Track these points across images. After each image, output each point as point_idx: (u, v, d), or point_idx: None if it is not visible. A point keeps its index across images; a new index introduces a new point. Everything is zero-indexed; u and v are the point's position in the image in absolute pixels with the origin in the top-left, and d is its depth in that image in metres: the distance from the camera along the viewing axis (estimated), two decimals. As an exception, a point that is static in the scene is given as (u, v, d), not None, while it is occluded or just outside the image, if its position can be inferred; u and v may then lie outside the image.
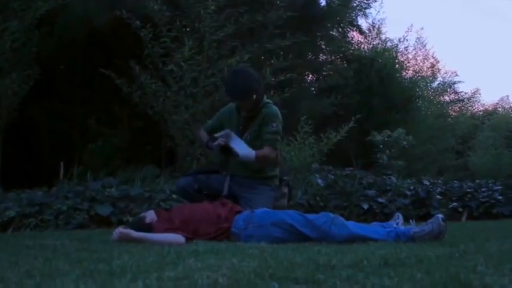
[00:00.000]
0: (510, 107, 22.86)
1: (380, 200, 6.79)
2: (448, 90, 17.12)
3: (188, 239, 3.00)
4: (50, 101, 9.32)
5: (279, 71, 7.92)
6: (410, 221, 3.12)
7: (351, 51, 13.45)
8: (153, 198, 5.75)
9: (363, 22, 14.30)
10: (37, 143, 9.68)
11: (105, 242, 3.18)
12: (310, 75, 12.81)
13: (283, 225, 3.00)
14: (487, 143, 16.51)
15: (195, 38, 7.39)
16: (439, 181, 8.52)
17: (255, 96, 3.81)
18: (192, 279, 1.59)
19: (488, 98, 42.69)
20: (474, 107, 21.06)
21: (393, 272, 1.74)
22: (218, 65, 7.51)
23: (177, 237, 2.98)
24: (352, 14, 12.50)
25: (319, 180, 7.04)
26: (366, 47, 14.67)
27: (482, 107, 22.26)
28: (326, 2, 11.35)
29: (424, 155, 13.51)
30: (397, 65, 14.39)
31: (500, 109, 22.70)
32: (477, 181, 8.60)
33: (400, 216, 3.17)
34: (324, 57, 12.90)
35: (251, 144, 3.80)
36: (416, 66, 15.89)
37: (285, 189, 4.10)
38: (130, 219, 4.80)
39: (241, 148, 3.70)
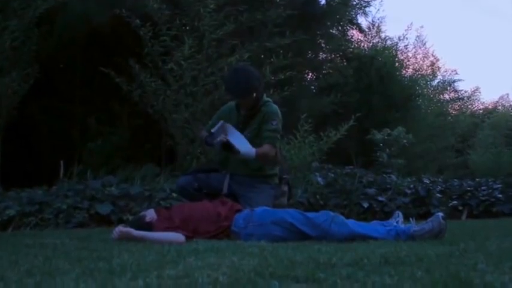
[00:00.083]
0: (510, 105, 22.87)
1: (380, 198, 6.79)
2: (448, 88, 17.14)
3: (188, 238, 3.00)
4: (49, 100, 9.31)
5: (279, 69, 7.92)
6: (411, 219, 3.12)
7: (351, 49, 13.45)
8: (153, 197, 5.75)
9: (362, 20, 14.31)
10: (37, 142, 9.68)
11: (105, 240, 3.18)
12: (310, 74, 12.81)
13: (283, 224, 3.00)
14: (487, 141, 16.51)
15: (195, 36, 7.39)
16: (439, 179, 8.53)
17: (255, 94, 3.80)
18: (192, 278, 1.59)
19: (488, 97, 42.79)
20: (474, 106, 21.10)
21: (393, 270, 1.74)
22: (218, 63, 7.51)
23: (177, 236, 2.98)
24: (352, 12, 12.49)
25: (319, 179, 7.04)
26: (365, 45, 14.68)
27: (482, 105, 22.29)
28: (326, 0, 11.35)
29: (424, 154, 13.52)
30: (397, 64, 14.39)
31: (500, 107, 22.70)
32: (477, 179, 8.60)
33: (400, 214, 3.17)
34: (324, 55, 12.90)
35: (251, 142, 3.79)
36: (416, 65, 15.92)
37: (285, 188, 4.10)
38: (130, 218, 4.80)
39: (242, 144, 3.69)
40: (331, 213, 3.05)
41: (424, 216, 5.71)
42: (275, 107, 3.94)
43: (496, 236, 3.25)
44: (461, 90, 18.17)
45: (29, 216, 5.12)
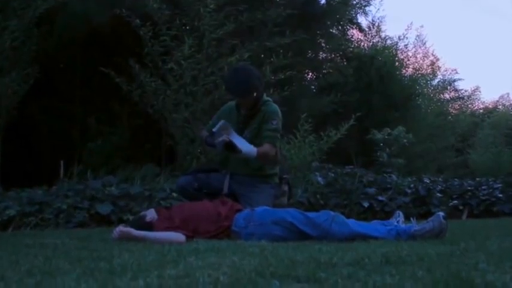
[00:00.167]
0: (510, 104, 22.89)
1: (380, 198, 6.79)
2: (448, 88, 17.17)
3: (188, 238, 3.00)
4: (49, 100, 9.32)
5: (279, 69, 7.92)
6: (411, 219, 3.12)
7: (351, 49, 13.47)
8: (153, 197, 5.74)
9: (362, 20, 14.34)
10: (37, 142, 9.69)
11: (105, 240, 3.18)
12: (310, 73, 12.82)
13: (283, 224, 3.00)
14: (487, 140, 16.52)
15: (195, 36, 7.39)
16: (440, 179, 8.53)
17: (255, 93, 3.80)
18: (193, 278, 1.59)
19: (488, 96, 42.80)
20: (474, 105, 21.14)
21: (394, 270, 1.74)
22: (218, 63, 7.51)
23: (178, 236, 2.98)
24: (352, 12, 12.51)
25: (320, 179, 7.04)
26: (365, 44, 14.69)
27: (482, 104, 22.33)
28: (326, -1, 11.36)
29: (424, 153, 13.53)
30: (396, 63, 14.40)
31: (500, 107, 22.73)
32: (477, 179, 8.60)
33: (401, 214, 3.17)
34: (324, 55, 12.90)
35: (251, 142, 3.79)
36: (416, 64, 15.94)
37: (285, 188, 4.10)
38: (131, 217, 4.80)
39: (243, 144, 3.69)
40: (332, 213, 3.04)
41: (425, 215, 5.71)
42: (275, 106, 3.94)
43: (497, 235, 3.25)
44: (462, 89, 18.23)
45: (29, 216, 5.12)
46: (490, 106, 22.68)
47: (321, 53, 12.69)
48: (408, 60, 15.58)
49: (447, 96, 17.49)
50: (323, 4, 11.30)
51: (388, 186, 7.18)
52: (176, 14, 7.50)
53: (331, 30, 12.15)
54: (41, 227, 5.02)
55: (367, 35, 14.74)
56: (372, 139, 10.23)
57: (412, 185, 7.39)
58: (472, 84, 32.84)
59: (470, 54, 43.45)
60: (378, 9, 19.50)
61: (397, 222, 3.09)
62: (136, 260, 2.03)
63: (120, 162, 8.08)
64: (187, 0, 7.75)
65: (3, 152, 7.61)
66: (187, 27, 7.66)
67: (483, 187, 7.65)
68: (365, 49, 14.33)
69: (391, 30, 27.09)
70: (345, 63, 12.73)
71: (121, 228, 3.12)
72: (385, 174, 8.03)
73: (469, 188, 7.60)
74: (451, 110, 18.04)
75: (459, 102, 18.73)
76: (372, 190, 6.94)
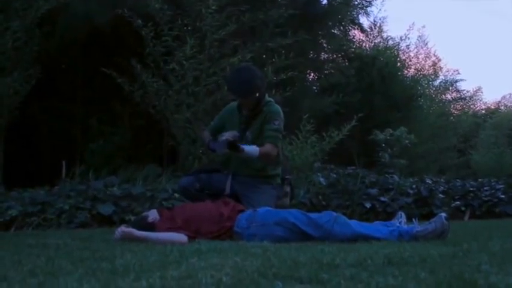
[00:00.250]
0: (512, 104, 22.85)
1: (382, 198, 6.78)
2: (450, 88, 17.14)
3: (190, 238, 2.99)
4: (51, 100, 9.33)
5: (281, 69, 7.91)
6: (413, 219, 3.11)
7: (353, 49, 13.45)
8: (155, 197, 5.74)
9: (364, 20, 14.34)
10: (38, 142, 9.70)
11: (107, 241, 3.18)
12: (312, 74, 12.81)
13: (285, 224, 2.99)
14: (489, 141, 16.48)
15: (197, 36, 7.39)
16: (442, 180, 8.51)
17: (257, 94, 3.80)
18: (195, 279, 1.59)
19: (490, 96, 42.76)
20: (476, 106, 21.10)
21: (397, 271, 1.73)
22: (220, 63, 7.51)
23: (180, 237, 2.98)
24: (353, 12, 12.49)
25: (322, 179, 7.03)
26: (367, 45, 14.69)
27: (484, 105, 22.29)
28: (327, 0, 11.34)
29: (426, 154, 13.50)
30: (398, 64, 14.39)
31: (502, 107, 22.69)
32: (479, 180, 8.58)
33: (403, 215, 3.17)
34: (326, 55, 12.89)
35: (253, 143, 3.79)
36: (418, 65, 15.91)
37: (287, 188, 4.09)
38: (133, 218, 4.80)
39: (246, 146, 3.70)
40: (334, 214, 3.04)
41: (427, 216, 5.70)
42: (277, 107, 3.93)
43: (499, 236, 3.24)
44: (464, 90, 18.19)
45: (31, 216, 5.12)
46: (492, 107, 22.65)
47: (322, 53, 12.68)
48: (410, 60, 15.57)
49: (449, 96, 17.47)
50: (325, 5, 11.29)
51: (390, 187, 7.17)
52: (178, 15, 7.50)
53: (332, 30, 12.14)
54: (43, 227, 5.03)
55: (369, 36, 14.73)
56: (374, 140, 10.22)
57: (414, 186, 7.38)
58: (474, 85, 32.75)
59: (472, 55, 43.44)
60: (380, 9, 19.46)
61: (399, 223, 3.08)
62: (139, 261, 2.03)
63: (121, 162, 8.08)
64: (189, 1, 7.75)
65: (5, 152, 7.62)
66: (189, 28, 7.66)
67: (485, 188, 7.64)
68: (367, 50, 14.32)
69: (392, 31, 27.20)
70: (347, 63, 12.71)
71: (123, 228, 3.12)
72: (387, 175, 8.02)
73: (471, 188, 7.59)
74: (453, 111, 18.01)
75: (461, 103, 18.70)
76: (374, 191, 6.93)
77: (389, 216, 5.39)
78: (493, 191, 7.45)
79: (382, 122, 11.30)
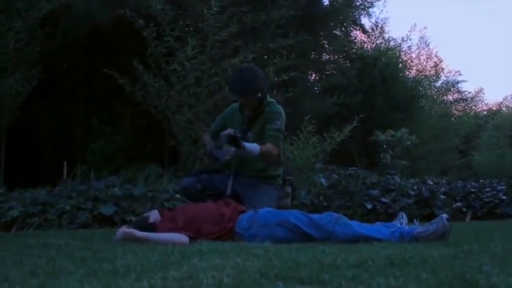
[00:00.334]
0: (514, 106, 22.84)
1: (384, 199, 6.78)
2: (452, 89, 17.13)
3: (192, 239, 2.99)
4: (52, 100, 9.34)
5: (282, 70, 7.92)
6: (415, 220, 3.11)
7: (354, 50, 13.47)
8: (156, 198, 5.75)
9: (366, 21, 14.36)
10: (40, 142, 9.71)
11: (108, 241, 3.18)
12: (313, 75, 12.83)
13: (287, 225, 2.99)
14: (491, 142, 16.47)
15: (198, 37, 7.40)
16: (443, 181, 8.50)
17: (259, 94, 3.80)
18: (196, 279, 1.59)
19: (492, 97, 42.72)
20: (478, 107, 21.08)
21: (398, 272, 1.73)
22: (221, 64, 7.51)
23: (181, 237, 2.97)
24: (355, 13, 12.51)
25: (323, 180, 7.03)
26: (369, 46, 14.69)
27: (485, 106, 22.29)
28: (329, 1, 11.36)
29: (427, 155, 13.50)
30: (400, 64, 14.38)
31: (504, 108, 22.69)
32: (481, 181, 8.57)
33: (405, 216, 3.16)
34: (327, 56, 12.90)
35: (254, 143, 3.79)
36: (420, 66, 15.90)
37: (289, 189, 4.09)
38: (134, 218, 4.80)
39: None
40: (335, 215, 3.04)
41: (428, 217, 5.70)
42: (279, 107, 3.93)
43: (500, 237, 3.24)
44: (465, 91, 18.18)
45: (32, 216, 5.13)
46: (494, 108, 22.66)
47: (324, 54, 12.70)
48: (411, 61, 15.56)
49: (450, 97, 17.46)
50: (326, 5, 11.30)
51: (391, 188, 7.17)
52: (180, 15, 7.51)
53: (334, 31, 12.15)
54: (44, 228, 5.03)
55: (371, 37, 14.74)
56: (375, 141, 10.21)
57: (415, 187, 7.37)
58: (476, 86, 32.85)
59: (474, 56, 43.47)
60: (381, 10, 19.55)
61: (401, 224, 3.08)
62: (140, 261, 2.03)
63: (122, 162, 8.09)
64: (191, 2, 7.76)
65: (6, 152, 7.63)
66: (191, 28, 7.67)
67: (487, 189, 7.63)
68: (368, 50, 14.32)
69: (394, 32, 27.19)
70: (348, 64, 12.72)
71: (124, 229, 3.12)
72: (388, 176, 8.01)
73: (473, 189, 7.58)
74: (455, 112, 18.00)
75: (463, 104, 18.69)
76: (375, 192, 6.93)
77: (390, 217, 5.39)
78: (494, 192, 7.45)
79: (384, 123, 11.30)
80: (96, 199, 5.53)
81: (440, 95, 16.51)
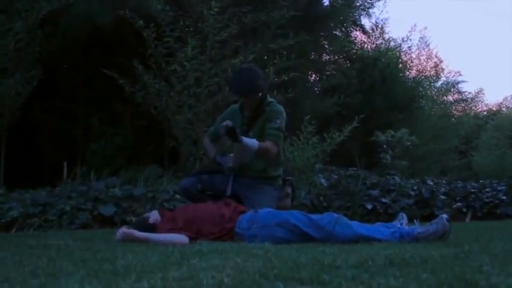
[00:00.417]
0: (514, 106, 22.84)
1: (384, 200, 6.77)
2: (452, 90, 17.12)
3: (192, 239, 2.99)
4: (52, 101, 9.34)
5: (282, 70, 7.92)
6: (415, 221, 3.11)
7: (354, 50, 13.47)
8: (156, 198, 5.75)
9: (366, 22, 14.39)
10: (40, 143, 9.71)
11: (108, 242, 3.18)
12: (313, 75, 12.83)
13: (287, 226, 2.99)
14: (491, 143, 16.47)
15: (198, 38, 7.40)
16: (443, 181, 8.50)
17: (260, 94, 3.79)
18: (197, 280, 1.59)
19: (492, 98, 42.66)
20: (478, 107, 21.08)
21: (398, 272, 1.73)
22: (221, 65, 7.52)
23: (181, 238, 2.97)
24: (355, 14, 12.51)
25: (323, 180, 7.03)
26: (369, 46, 14.69)
27: (486, 106, 22.29)
28: (329, 1, 11.36)
29: (427, 155, 13.50)
30: (400, 65, 14.39)
31: (504, 109, 22.69)
32: (481, 181, 8.57)
33: (405, 216, 3.16)
34: (327, 56, 12.91)
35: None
36: (420, 66, 15.90)
37: (289, 189, 4.08)
38: (134, 219, 4.80)
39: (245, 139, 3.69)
40: (335, 215, 3.04)
41: (428, 217, 5.70)
42: (279, 106, 3.93)
43: (500, 237, 3.24)
44: (465, 91, 18.18)
45: (32, 217, 5.13)
46: (494, 108, 22.65)
47: (324, 54, 12.70)
48: (412, 62, 15.56)
49: (451, 98, 17.45)
50: (326, 6, 11.30)
51: (391, 188, 7.17)
52: (180, 16, 7.51)
53: (334, 32, 12.16)
54: (44, 228, 5.03)
55: (371, 37, 14.74)
56: (375, 141, 10.21)
57: (415, 187, 7.37)
58: (476, 87, 32.85)
59: (474, 57, 43.47)
60: (382, 11, 19.56)
61: (401, 224, 3.08)
62: (140, 262, 2.03)
63: (122, 162, 8.09)
64: (191, 2, 7.76)
65: (6, 152, 7.62)
66: (191, 29, 7.68)
67: (487, 189, 7.63)
68: (368, 51, 14.32)
69: (394, 32, 27.22)
70: (348, 65, 12.73)
71: (124, 229, 3.12)
72: (388, 176, 8.01)
73: (473, 190, 7.58)
74: (455, 112, 18.00)
75: (463, 104, 18.69)
76: (375, 192, 6.93)
77: (390, 217, 5.39)
78: (494, 193, 7.44)
79: (384, 123, 11.30)
80: (96, 200, 5.53)
81: (441, 96, 16.50)
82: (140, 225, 3.18)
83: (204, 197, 3.76)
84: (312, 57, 11.70)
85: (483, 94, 21.60)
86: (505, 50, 45.20)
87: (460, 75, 16.73)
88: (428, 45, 16.05)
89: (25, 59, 7.58)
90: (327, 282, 1.56)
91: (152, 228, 3.14)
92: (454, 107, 17.88)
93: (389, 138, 10.11)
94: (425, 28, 22.41)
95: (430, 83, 15.91)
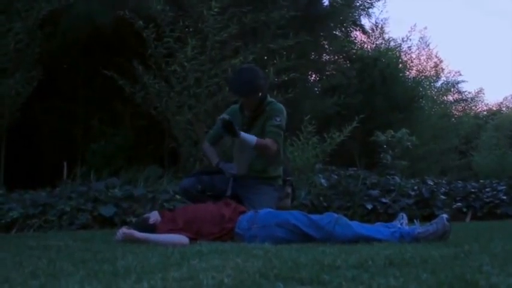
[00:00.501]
0: (514, 106, 22.84)
1: (384, 200, 6.77)
2: (452, 89, 17.12)
3: (192, 240, 2.99)
4: (52, 100, 9.34)
5: (282, 71, 7.92)
6: (415, 221, 3.11)
7: (354, 50, 13.47)
8: (156, 199, 5.74)
9: (366, 22, 14.38)
10: (40, 143, 9.71)
11: (108, 242, 3.18)
12: (313, 75, 12.83)
13: (287, 226, 2.99)
14: (491, 142, 16.47)
15: (198, 38, 7.40)
16: (443, 181, 8.50)
17: (260, 93, 3.79)
18: (197, 280, 1.59)
19: (492, 98, 42.69)
20: (478, 107, 21.08)
21: (398, 272, 1.73)
22: (221, 65, 7.52)
23: (181, 238, 2.97)
24: (355, 14, 12.51)
25: (323, 181, 7.03)
26: (369, 46, 14.69)
27: (486, 106, 22.29)
28: (329, 1, 11.36)
29: (427, 155, 13.49)
30: (400, 65, 14.39)
31: (504, 109, 22.69)
32: (481, 181, 8.57)
33: (405, 216, 3.16)
34: (327, 57, 12.91)
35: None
36: (420, 66, 15.90)
37: (289, 190, 4.08)
38: (134, 219, 4.80)
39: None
40: (335, 215, 3.04)
41: (428, 218, 5.70)
42: (280, 105, 3.93)
43: (500, 237, 3.24)
44: (465, 91, 18.18)
45: (32, 218, 5.13)
46: (494, 108, 22.66)
47: (324, 54, 12.70)
48: (411, 62, 15.56)
49: (451, 98, 17.45)
50: (326, 6, 11.30)
51: (391, 188, 7.17)
52: (180, 16, 7.51)
53: (334, 32, 12.16)
54: (44, 229, 5.03)
55: (371, 37, 14.74)
56: (375, 141, 10.21)
57: (415, 187, 7.37)
58: (476, 86, 32.87)
59: (474, 56, 43.48)
60: (381, 11, 19.57)
61: (401, 224, 3.08)
62: (140, 262, 2.03)
63: (122, 163, 8.09)
64: (191, 2, 7.76)
65: (6, 153, 7.62)
66: (191, 29, 7.68)
67: (487, 189, 7.63)
68: (368, 51, 14.32)
69: (394, 32, 27.25)
70: (348, 65, 12.73)
71: (124, 230, 3.12)
72: (388, 176, 8.01)
73: (473, 190, 7.58)
74: (455, 112, 18.00)
75: (463, 104, 18.69)
76: (375, 192, 6.93)
77: (390, 217, 5.39)
78: (494, 193, 7.44)
79: (384, 123, 11.30)
80: (96, 200, 5.53)
81: (441, 96, 16.50)
82: (140, 226, 3.19)
83: (204, 198, 3.76)
84: (312, 57, 11.70)
85: (483, 94, 21.64)
86: (505, 50, 45.26)
87: (460, 75, 16.75)
88: (428, 45, 16.06)
89: (25, 59, 7.58)
90: (327, 283, 1.56)
91: (152, 228, 3.14)
92: (454, 107, 17.88)
93: (390, 138, 10.11)
94: (425, 28, 22.46)
95: (430, 83, 15.91)
